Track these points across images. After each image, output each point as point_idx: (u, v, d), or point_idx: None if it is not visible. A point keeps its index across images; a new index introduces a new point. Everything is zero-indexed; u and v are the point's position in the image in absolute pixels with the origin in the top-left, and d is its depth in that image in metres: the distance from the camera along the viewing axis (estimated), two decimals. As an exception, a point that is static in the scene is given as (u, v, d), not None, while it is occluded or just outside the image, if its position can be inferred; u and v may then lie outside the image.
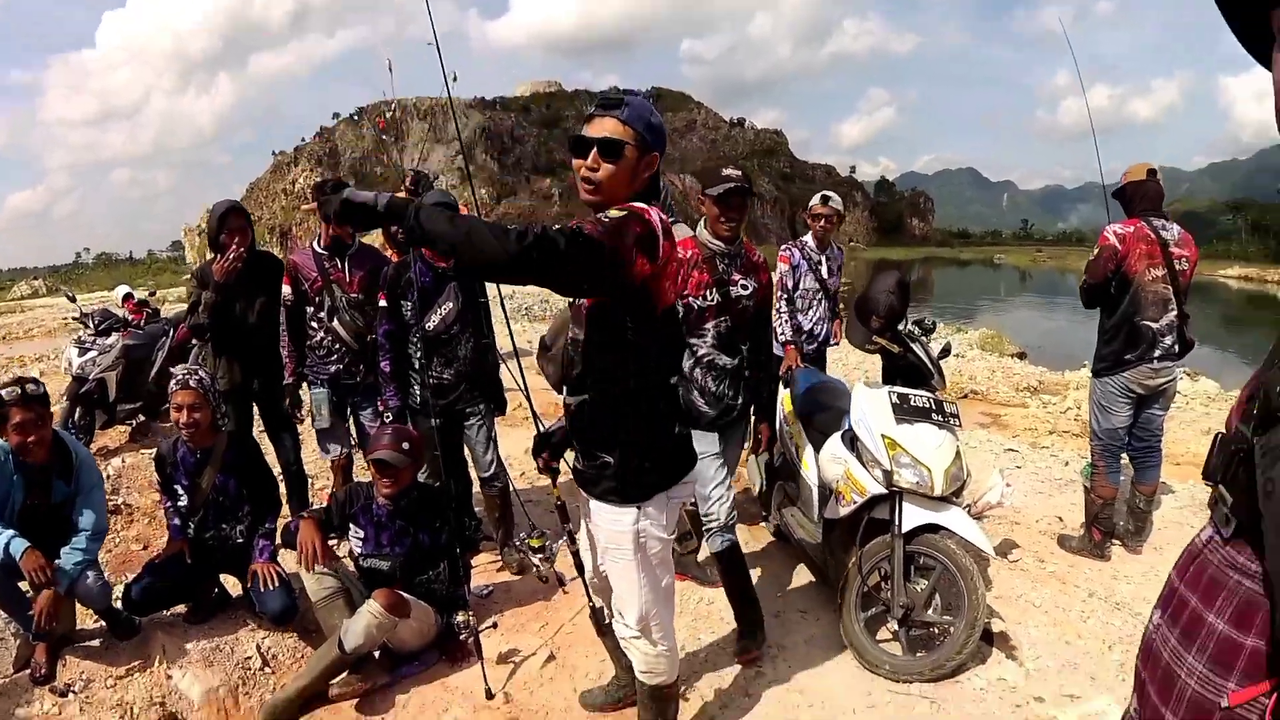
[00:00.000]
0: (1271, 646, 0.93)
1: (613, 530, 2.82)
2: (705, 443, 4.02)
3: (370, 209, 2.37)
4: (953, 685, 3.87)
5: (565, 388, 2.84)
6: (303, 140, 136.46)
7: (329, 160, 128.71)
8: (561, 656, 4.31)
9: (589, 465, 2.77)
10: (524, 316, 20.95)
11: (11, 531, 3.88)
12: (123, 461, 7.39)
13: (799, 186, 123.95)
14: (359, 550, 4.34)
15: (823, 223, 6.37)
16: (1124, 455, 5.37)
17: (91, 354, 7.89)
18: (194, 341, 9.72)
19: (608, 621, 3.39)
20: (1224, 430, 1.18)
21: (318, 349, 5.23)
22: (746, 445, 4.72)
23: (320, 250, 5.22)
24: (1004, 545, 5.41)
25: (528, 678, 4.15)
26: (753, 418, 4.53)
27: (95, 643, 4.26)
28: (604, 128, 2.60)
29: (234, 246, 5.05)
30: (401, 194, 5.19)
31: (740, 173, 4.08)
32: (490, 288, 5.17)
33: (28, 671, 3.97)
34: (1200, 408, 9.75)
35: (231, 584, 4.78)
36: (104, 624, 4.33)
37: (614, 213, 2.44)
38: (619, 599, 3.00)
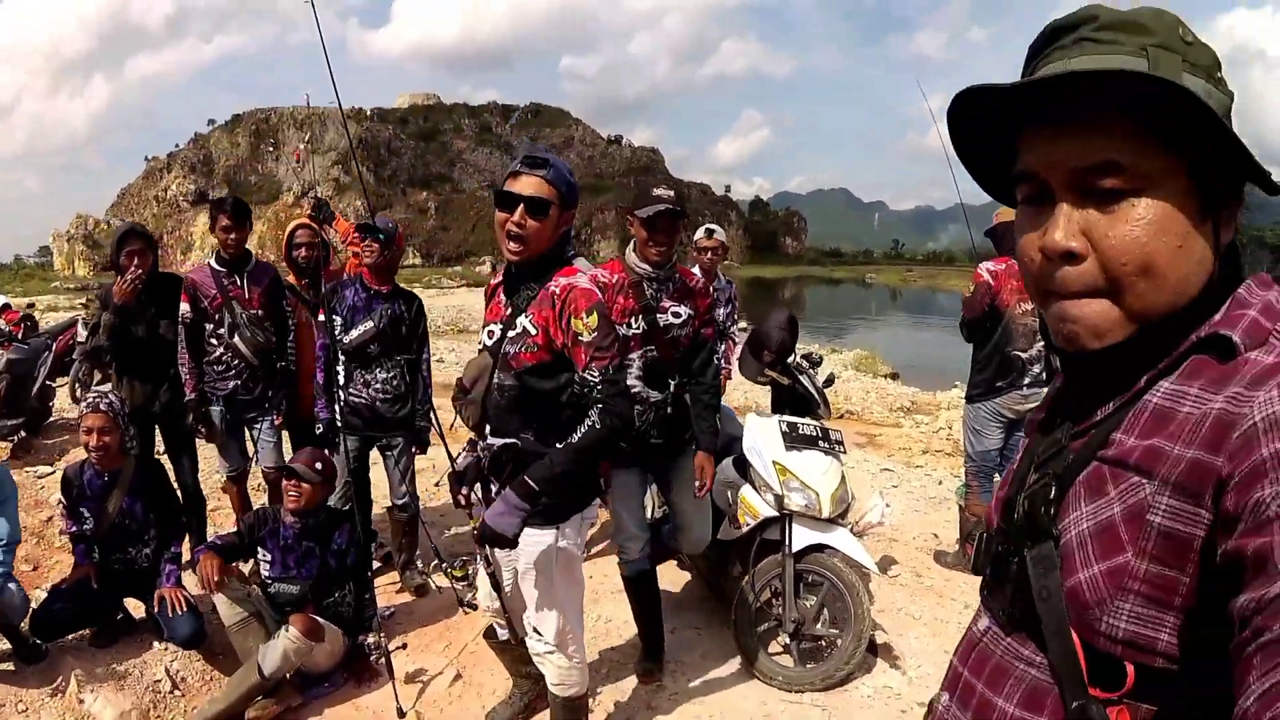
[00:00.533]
0: None
1: (536, 551, 2.99)
2: (623, 483, 4.08)
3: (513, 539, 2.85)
4: (842, 694, 4.16)
5: (488, 429, 3.00)
6: (177, 146, 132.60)
7: (203, 167, 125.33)
8: (468, 675, 4.44)
9: None
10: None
11: None
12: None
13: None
14: (267, 573, 4.39)
15: (709, 255, 6.40)
16: (996, 475, 5.55)
17: (-32, 372, 7.63)
18: (74, 356, 9.55)
19: (503, 637, 3.61)
20: (985, 529, 1.24)
21: (216, 365, 5.23)
22: None
23: (217, 267, 5.24)
24: (884, 562, 5.73)
25: (436, 696, 4.27)
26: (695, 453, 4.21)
27: (0, 668, 4.21)
28: (530, 186, 2.82)
29: (133, 269, 5.07)
30: (302, 220, 5.60)
31: (672, 193, 3.91)
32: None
33: None
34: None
35: (134, 606, 4.78)
36: (5, 649, 4.28)
37: (591, 323, 2.80)
38: (537, 617, 3.16)
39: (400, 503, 5.29)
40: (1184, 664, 0.87)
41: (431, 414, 5.21)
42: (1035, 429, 1.21)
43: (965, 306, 5.49)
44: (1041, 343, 5.28)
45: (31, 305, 12.07)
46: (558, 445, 2.82)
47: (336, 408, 4.97)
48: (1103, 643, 0.93)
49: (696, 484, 4.09)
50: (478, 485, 3.11)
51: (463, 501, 3.17)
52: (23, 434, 8.37)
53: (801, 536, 4.18)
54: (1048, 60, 0.98)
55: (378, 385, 5.01)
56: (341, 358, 4.98)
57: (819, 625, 4.26)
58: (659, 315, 3.94)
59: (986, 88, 0.98)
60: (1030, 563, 1.01)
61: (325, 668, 4.30)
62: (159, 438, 5.61)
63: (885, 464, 8.66)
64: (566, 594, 3.15)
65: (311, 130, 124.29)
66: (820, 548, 4.20)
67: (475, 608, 4.84)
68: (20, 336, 10.11)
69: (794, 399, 4.64)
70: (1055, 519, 1.00)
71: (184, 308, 5.14)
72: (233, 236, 5.19)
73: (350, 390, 5.01)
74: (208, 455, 6.06)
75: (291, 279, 5.66)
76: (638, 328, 3.90)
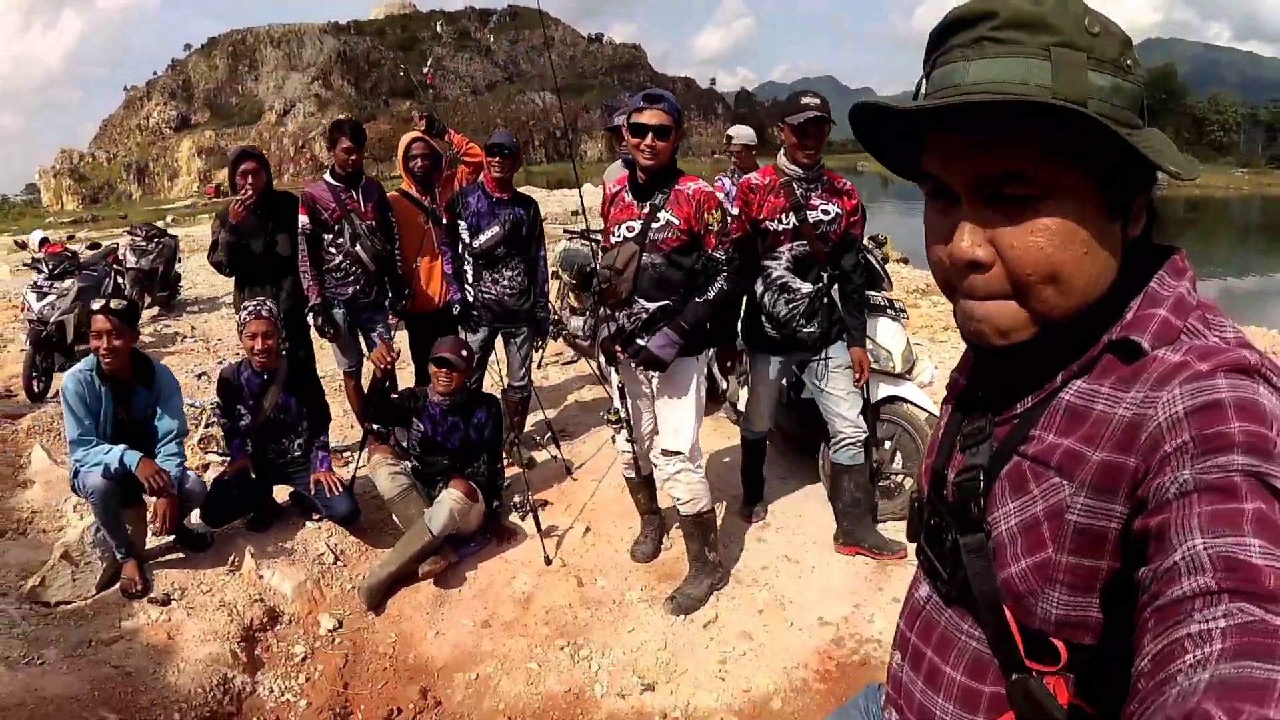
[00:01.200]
0: (1007, 692, 1.03)
1: (681, 376, 4.09)
2: (765, 368, 4.65)
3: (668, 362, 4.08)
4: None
5: (639, 298, 3.98)
6: (155, 74, 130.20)
7: (183, 93, 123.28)
8: (595, 527, 5.16)
9: None
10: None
11: (121, 445, 4.32)
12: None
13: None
14: (418, 444, 4.98)
15: (733, 160, 7.03)
16: None
17: (50, 298, 8.13)
18: (122, 281, 9.96)
19: (646, 474, 4.62)
20: (917, 489, 1.32)
21: (335, 272, 5.67)
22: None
23: (334, 183, 5.65)
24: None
25: (572, 546, 5.01)
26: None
27: (170, 557, 4.75)
28: (655, 116, 3.75)
29: (245, 187, 5.51)
30: (416, 133, 6.08)
31: (819, 100, 4.24)
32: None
33: (116, 588, 4.39)
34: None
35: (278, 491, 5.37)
36: (168, 541, 4.82)
37: (717, 216, 3.93)
38: (676, 432, 4.11)
39: (518, 384, 5.90)
40: (1113, 637, 0.93)
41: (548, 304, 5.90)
42: (954, 395, 1.28)
43: None
44: None
45: (71, 238, 12.41)
46: (697, 301, 3.96)
47: (468, 296, 5.61)
48: (1036, 624, 0.99)
49: (856, 375, 4.54)
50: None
51: (620, 355, 4.13)
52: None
53: (878, 390, 4.86)
54: (947, 58, 0.97)
55: (504, 283, 5.57)
56: (468, 258, 5.56)
57: (894, 465, 4.98)
58: (808, 212, 4.31)
59: (882, 107, 1.01)
60: (963, 549, 1.07)
61: (475, 527, 4.89)
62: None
63: (914, 339, 9.29)
64: (699, 409, 4.15)
65: (288, 47, 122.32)
66: (893, 399, 4.86)
67: (575, 478, 5.71)
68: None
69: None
70: (985, 512, 1.06)
71: (303, 220, 5.55)
72: (353, 157, 5.61)
73: (480, 287, 5.58)
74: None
75: (407, 186, 6.05)
76: (787, 224, 4.30)
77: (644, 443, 4.46)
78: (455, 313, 5.69)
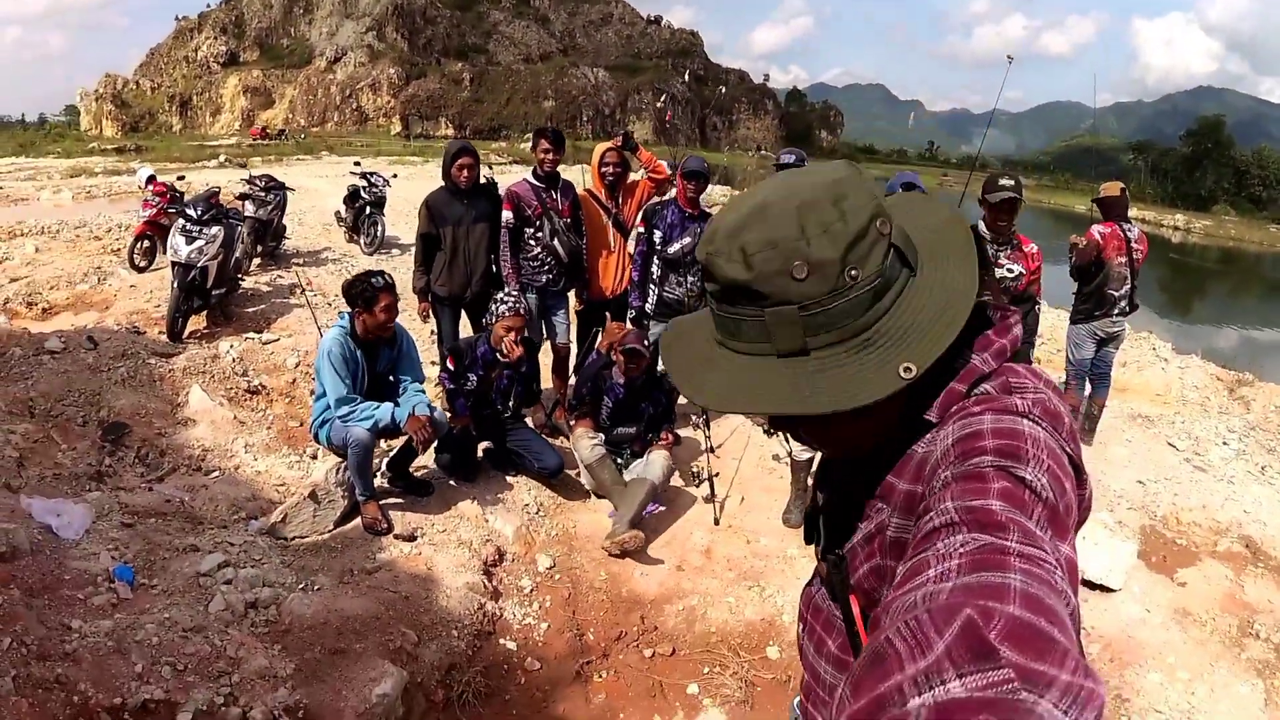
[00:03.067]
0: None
1: None
2: None
3: None
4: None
5: None
6: (208, 6, 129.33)
7: (234, 29, 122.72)
8: (748, 498, 6.00)
9: None
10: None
11: (388, 405, 4.98)
12: (230, 347, 8.08)
13: (711, 90, 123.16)
14: (607, 420, 5.71)
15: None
16: (1085, 378, 7.42)
17: (199, 243, 8.43)
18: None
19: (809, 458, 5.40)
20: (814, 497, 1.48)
21: (532, 261, 6.34)
22: None
23: (536, 183, 6.27)
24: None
25: (733, 511, 5.85)
26: None
27: (394, 501, 5.42)
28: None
29: (460, 179, 6.24)
30: (612, 146, 6.58)
31: (1014, 182, 5.24)
32: None
33: (351, 525, 5.07)
34: (1134, 350, 11.07)
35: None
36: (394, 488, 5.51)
37: None
38: None
39: None
40: None
41: None
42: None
43: (1077, 255, 7.05)
44: (1129, 285, 6.97)
45: (182, 178, 12.65)
46: None
47: (651, 300, 6.38)
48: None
49: None
50: None
51: None
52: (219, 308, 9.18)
53: None
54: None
55: (687, 285, 6.37)
56: (657, 262, 6.31)
57: None
58: (996, 269, 5.13)
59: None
60: (830, 562, 1.26)
61: (667, 485, 5.63)
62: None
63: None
64: None
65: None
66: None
67: (718, 455, 6.33)
68: (169, 206, 10.90)
69: None
70: (847, 538, 1.24)
71: (507, 215, 6.20)
72: (552, 158, 6.21)
73: (664, 288, 6.35)
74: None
75: (596, 189, 6.63)
76: None
77: None
78: (629, 317, 6.43)
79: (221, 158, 37.53)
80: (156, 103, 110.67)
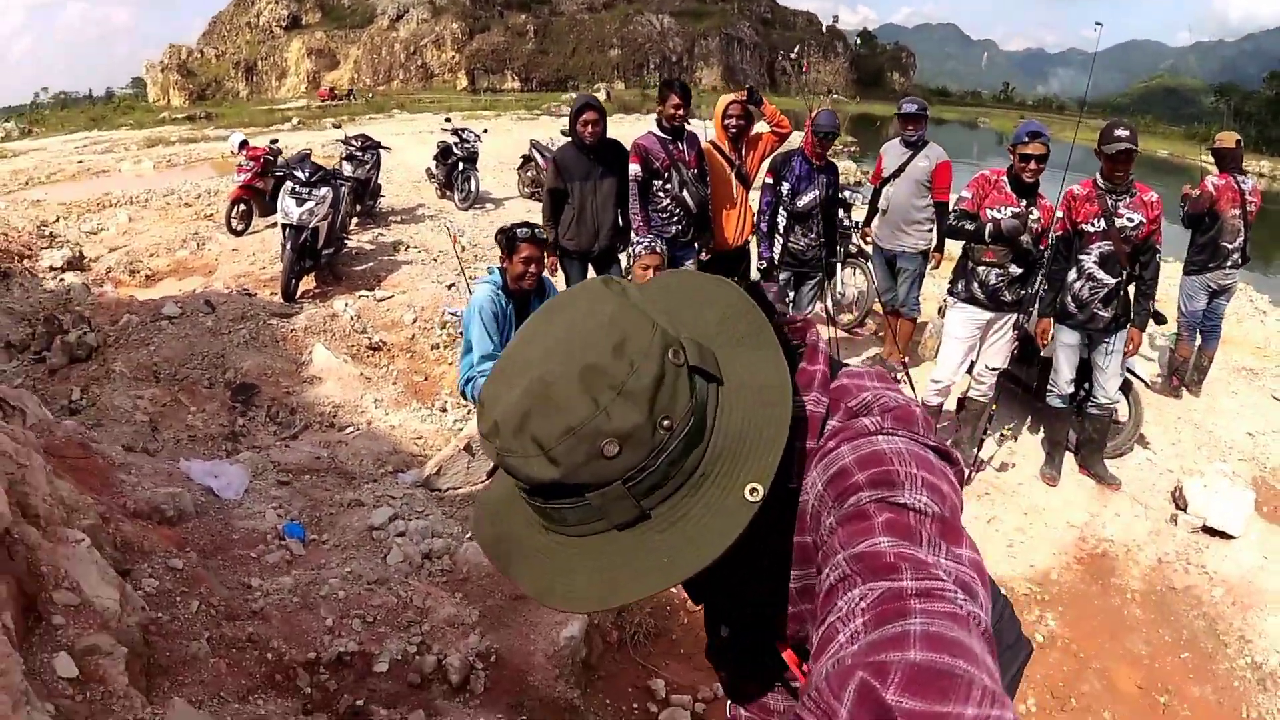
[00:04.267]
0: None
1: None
2: (1067, 340, 5.70)
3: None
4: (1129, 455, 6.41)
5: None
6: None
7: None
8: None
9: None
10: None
11: None
12: (346, 306, 8.14)
13: (779, 33, 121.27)
14: None
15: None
16: (1197, 329, 7.54)
17: (309, 204, 8.53)
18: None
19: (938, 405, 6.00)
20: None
21: (661, 213, 6.31)
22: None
23: (663, 136, 6.21)
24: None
25: None
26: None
27: None
28: (1039, 149, 5.25)
29: (586, 135, 6.16)
30: (737, 97, 6.54)
31: (1128, 133, 5.22)
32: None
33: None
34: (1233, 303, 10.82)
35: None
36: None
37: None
38: (998, 353, 5.78)
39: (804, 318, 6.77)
40: None
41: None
42: None
43: (1190, 205, 7.16)
44: (1242, 237, 7.05)
45: (275, 141, 12.76)
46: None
47: (776, 250, 6.44)
48: (807, 644, 1.18)
49: (1128, 348, 5.65)
50: None
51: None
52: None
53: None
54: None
55: (810, 236, 6.48)
56: (784, 212, 6.36)
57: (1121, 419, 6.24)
58: (1115, 219, 5.33)
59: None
60: (731, 642, 1.34)
61: None
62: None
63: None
64: None
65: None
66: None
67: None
68: (263, 171, 11.02)
69: None
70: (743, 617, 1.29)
71: (634, 169, 6.16)
72: (681, 112, 6.17)
73: (790, 239, 6.43)
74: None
75: (720, 141, 6.57)
76: (1099, 226, 5.37)
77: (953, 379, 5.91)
78: (760, 268, 6.51)
79: (295, 120, 37.87)
80: (222, 70, 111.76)
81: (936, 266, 7.41)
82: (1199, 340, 7.55)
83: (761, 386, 0.99)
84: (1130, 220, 5.32)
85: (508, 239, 4.84)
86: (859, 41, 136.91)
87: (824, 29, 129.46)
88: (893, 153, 7.18)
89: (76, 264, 9.83)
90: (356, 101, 61.63)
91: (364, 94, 75.46)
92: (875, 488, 0.94)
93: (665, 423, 0.91)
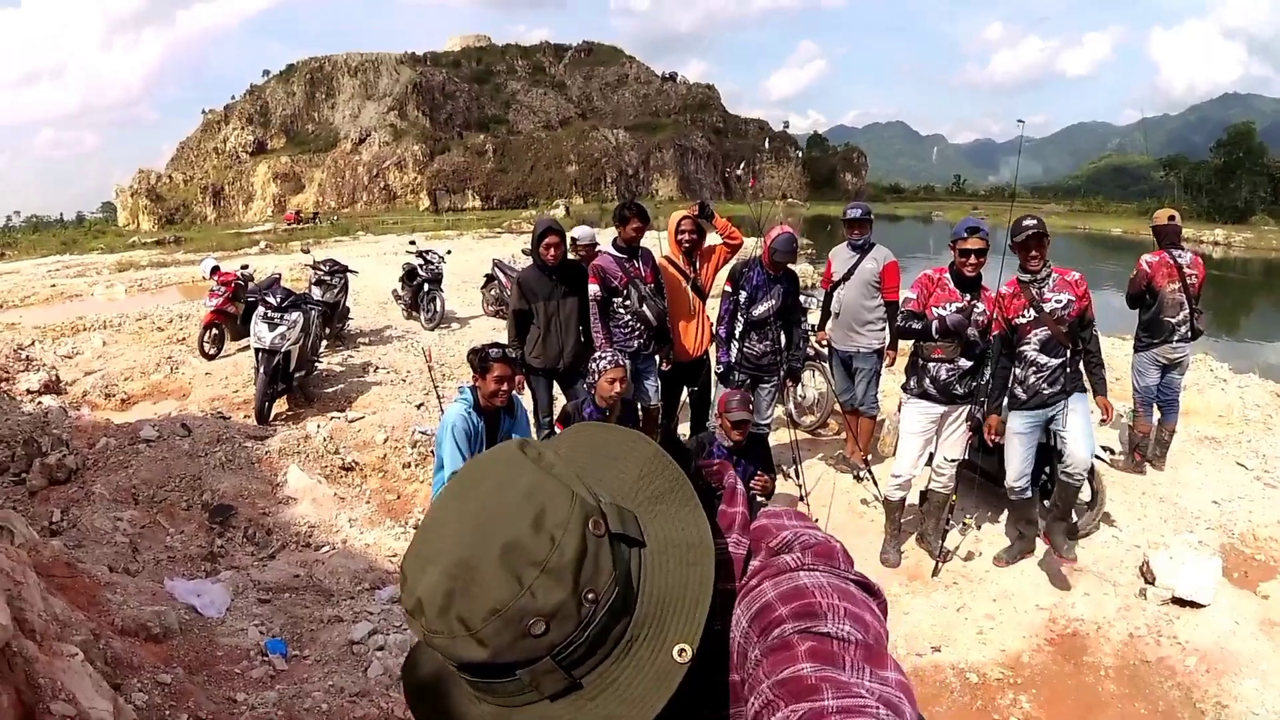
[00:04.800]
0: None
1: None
2: (1025, 424, 5.74)
3: None
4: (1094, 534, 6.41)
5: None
6: (233, 98, 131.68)
7: (260, 118, 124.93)
8: (845, 545, 6.03)
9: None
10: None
11: None
12: (318, 427, 8.33)
13: (731, 141, 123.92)
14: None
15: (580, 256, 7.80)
16: (1154, 405, 7.57)
17: (281, 329, 8.77)
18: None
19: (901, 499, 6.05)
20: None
21: (623, 329, 6.54)
22: None
23: (618, 254, 6.50)
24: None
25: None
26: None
27: None
28: (977, 243, 5.46)
29: (548, 258, 6.49)
30: (688, 213, 6.88)
31: (1036, 220, 5.53)
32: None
33: None
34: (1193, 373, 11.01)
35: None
36: None
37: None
38: (956, 445, 5.91)
39: (763, 423, 6.83)
40: None
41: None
42: None
43: (1130, 285, 7.44)
44: (1186, 310, 7.18)
45: (246, 267, 13.08)
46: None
47: (733, 354, 6.63)
48: None
49: (1103, 418, 5.82)
50: None
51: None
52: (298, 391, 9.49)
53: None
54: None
55: (766, 343, 6.63)
56: (740, 319, 6.55)
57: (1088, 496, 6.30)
58: (1044, 304, 5.50)
59: None
60: None
61: None
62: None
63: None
64: None
65: (365, 76, 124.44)
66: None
67: (808, 505, 6.28)
68: (234, 295, 11.34)
69: None
70: None
71: (594, 289, 6.43)
72: (639, 231, 6.48)
73: (746, 344, 6.59)
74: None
75: (674, 255, 6.87)
76: (1028, 316, 5.54)
77: (912, 473, 5.96)
78: (717, 373, 6.72)
79: (262, 244, 38.29)
80: (190, 194, 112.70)
81: (891, 364, 7.60)
82: (1157, 415, 7.57)
83: (685, 544, 0.99)
84: (1059, 301, 5.47)
85: (481, 359, 5.02)
86: (803, 149, 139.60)
87: (774, 136, 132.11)
88: (841, 257, 7.44)
89: (53, 387, 10.00)
90: (322, 224, 62.37)
91: (328, 216, 76.31)
92: (798, 619, 0.95)
93: (589, 596, 0.91)
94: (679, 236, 6.77)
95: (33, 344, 12.52)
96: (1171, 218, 7.63)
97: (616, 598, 0.93)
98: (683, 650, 0.93)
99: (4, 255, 43.59)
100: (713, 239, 7.01)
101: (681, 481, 1.05)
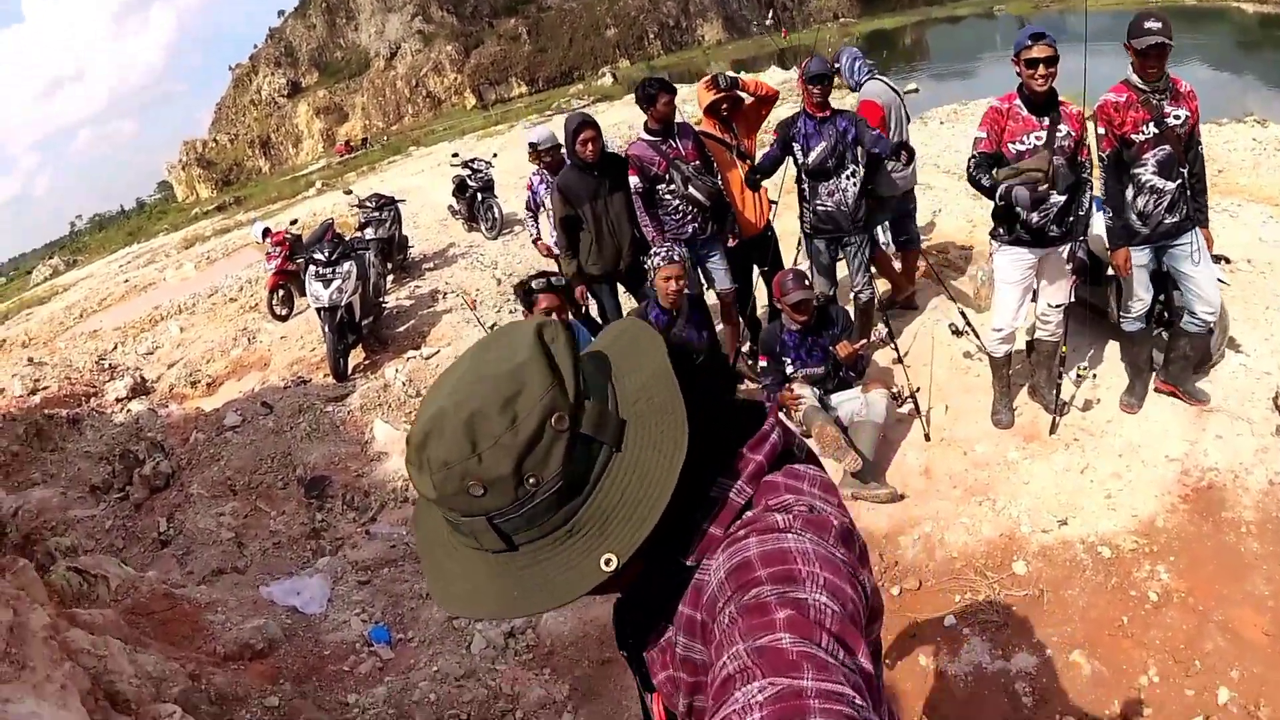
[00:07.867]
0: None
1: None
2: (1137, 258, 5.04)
3: None
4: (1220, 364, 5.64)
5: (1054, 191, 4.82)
6: (255, 47, 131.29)
7: (288, 59, 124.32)
8: (951, 404, 5.75)
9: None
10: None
11: None
12: (396, 372, 8.18)
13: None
14: (793, 371, 5.40)
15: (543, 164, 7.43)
16: None
17: (336, 283, 8.48)
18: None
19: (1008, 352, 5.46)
20: None
21: (673, 215, 5.98)
22: None
23: (651, 138, 5.94)
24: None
25: (940, 422, 5.64)
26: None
27: None
28: (1044, 51, 4.62)
29: (586, 154, 5.91)
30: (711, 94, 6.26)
31: (1161, 24, 4.63)
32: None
33: None
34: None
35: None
36: None
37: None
38: (1060, 289, 5.27)
39: (860, 292, 6.18)
40: None
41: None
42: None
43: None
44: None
45: (294, 222, 12.86)
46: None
47: (808, 217, 6.03)
48: (679, 710, 1.23)
49: (1206, 252, 4.99)
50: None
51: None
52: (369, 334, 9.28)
53: None
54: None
55: (838, 195, 5.85)
56: (805, 179, 5.92)
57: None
58: (1165, 120, 4.74)
59: None
60: (628, 658, 1.35)
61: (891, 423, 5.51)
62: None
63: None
64: None
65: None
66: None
67: (908, 365, 5.95)
68: (291, 253, 11.07)
69: None
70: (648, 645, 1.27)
71: (633, 181, 5.86)
72: (669, 106, 5.92)
73: (817, 202, 5.91)
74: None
75: (709, 127, 6.38)
76: (1148, 133, 4.77)
77: (1015, 325, 5.30)
78: (805, 233, 6.20)
79: (319, 184, 38.26)
80: (239, 152, 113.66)
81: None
82: None
83: (643, 476, 1.03)
84: (1178, 117, 4.78)
85: (525, 293, 4.77)
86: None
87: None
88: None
89: (140, 389, 10.00)
90: (373, 148, 62.15)
91: (378, 139, 76.18)
92: (776, 583, 0.98)
93: (531, 480, 1.00)
94: (715, 107, 6.27)
95: (115, 349, 12.50)
96: None
97: (561, 489, 1.01)
98: (609, 560, 1.00)
99: (77, 262, 44.51)
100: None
101: (674, 405, 1.07)
